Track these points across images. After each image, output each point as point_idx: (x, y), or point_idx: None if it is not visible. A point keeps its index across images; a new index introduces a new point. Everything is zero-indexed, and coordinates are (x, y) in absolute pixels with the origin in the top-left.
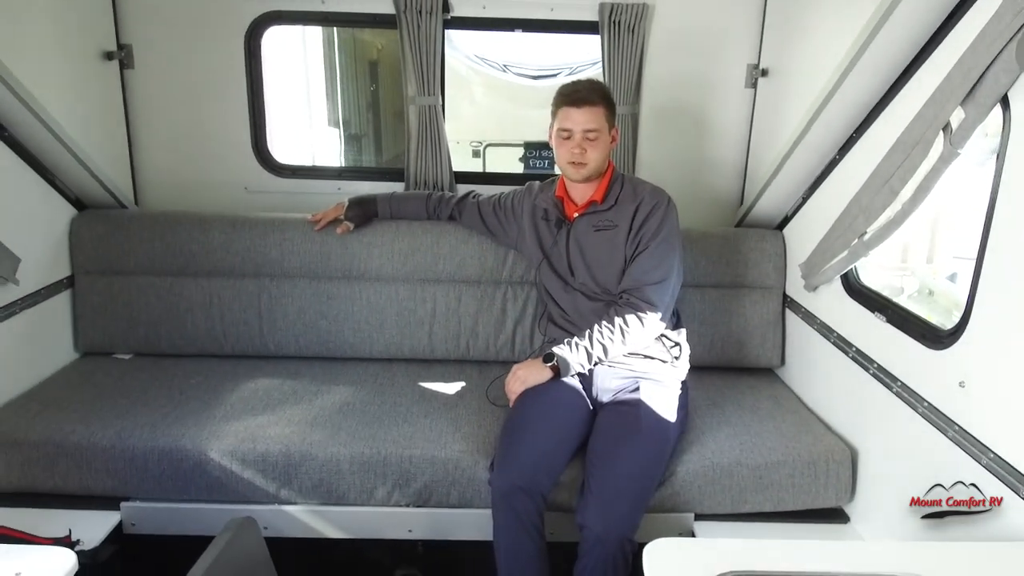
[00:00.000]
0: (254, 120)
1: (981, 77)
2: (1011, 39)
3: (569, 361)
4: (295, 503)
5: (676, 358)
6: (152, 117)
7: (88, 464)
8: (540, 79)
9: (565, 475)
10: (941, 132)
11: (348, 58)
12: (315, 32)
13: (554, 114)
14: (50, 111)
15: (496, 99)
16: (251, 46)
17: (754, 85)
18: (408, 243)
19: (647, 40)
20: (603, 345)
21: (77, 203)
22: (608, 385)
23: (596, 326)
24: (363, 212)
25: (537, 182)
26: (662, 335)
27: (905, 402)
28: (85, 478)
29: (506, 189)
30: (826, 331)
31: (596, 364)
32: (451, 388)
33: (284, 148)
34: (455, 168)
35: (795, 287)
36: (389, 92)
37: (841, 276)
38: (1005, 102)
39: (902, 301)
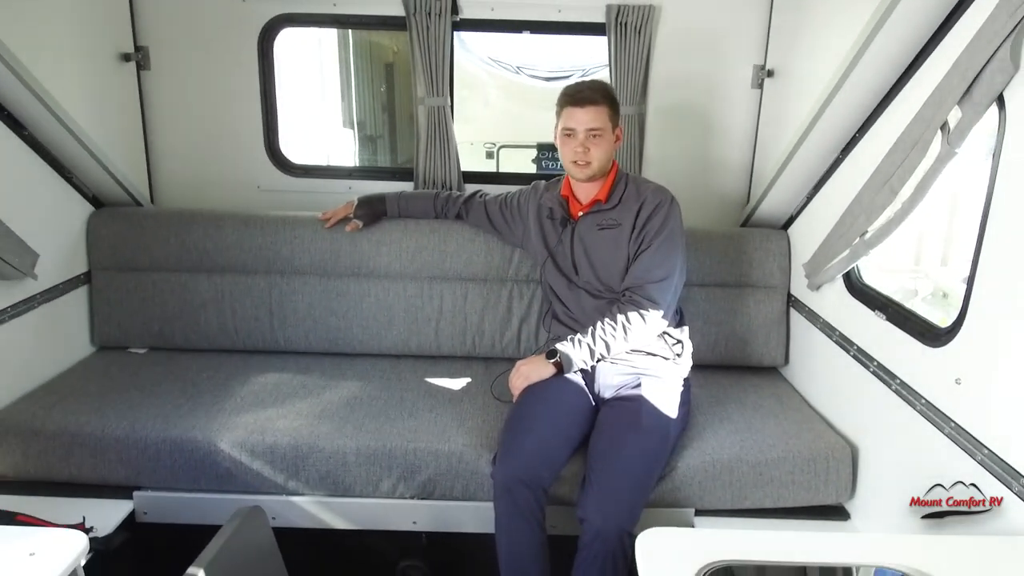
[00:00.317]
0: (267, 120)
1: (977, 77)
2: (1006, 39)
3: (572, 357)
4: (302, 494)
5: (678, 355)
6: (168, 117)
7: (102, 454)
8: (553, 81)
9: (566, 469)
10: (939, 132)
11: (364, 61)
12: (331, 36)
13: (558, 114)
14: (69, 111)
15: (510, 101)
16: (264, 48)
17: (760, 86)
18: (416, 241)
19: (654, 41)
20: (605, 342)
21: (94, 201)
22: (610, 381)
23: (599, 323)
24: (372, 211)
25: (543, 181)
26: (664, 332)
27: (903, 399)
28: (99, 468)
29: (513, 188)
30: (829, 330)
31: (599, 361)
32: (457, 384)
33: (299, 149)
34: (467, 169)
35: (799, 286)
36: (404, 95)
37: (843, 275)
38: (1001, 101)
39: (916, 304)
